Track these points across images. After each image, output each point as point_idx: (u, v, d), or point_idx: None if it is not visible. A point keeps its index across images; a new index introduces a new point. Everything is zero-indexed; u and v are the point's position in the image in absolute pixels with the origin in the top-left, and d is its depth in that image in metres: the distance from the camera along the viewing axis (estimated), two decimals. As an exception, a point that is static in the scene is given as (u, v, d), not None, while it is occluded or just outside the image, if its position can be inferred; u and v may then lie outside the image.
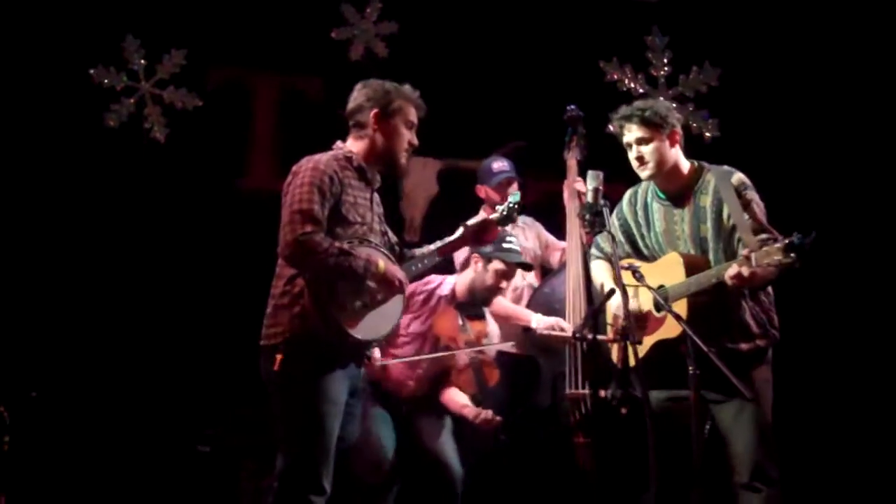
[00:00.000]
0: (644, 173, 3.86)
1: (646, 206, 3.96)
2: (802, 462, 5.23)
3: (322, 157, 3.70)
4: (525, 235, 5.19)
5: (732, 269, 3.50)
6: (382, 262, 3.66)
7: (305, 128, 6.17)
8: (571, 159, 5.03)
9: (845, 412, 5.89)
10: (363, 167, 3.79)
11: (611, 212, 3.74)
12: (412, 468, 4.63)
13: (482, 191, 5.24)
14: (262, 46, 6.21)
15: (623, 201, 4.04)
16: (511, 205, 4.11)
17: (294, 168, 3.70)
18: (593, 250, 4.14)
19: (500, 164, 5.19)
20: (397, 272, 3.71)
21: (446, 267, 4.73)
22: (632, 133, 3.84)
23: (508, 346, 4.78)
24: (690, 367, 3.46)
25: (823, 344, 5.93)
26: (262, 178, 6.18)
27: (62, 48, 5.91)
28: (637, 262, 3.79)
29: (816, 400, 5.82)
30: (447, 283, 4.72)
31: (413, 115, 3.85)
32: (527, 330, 4.78)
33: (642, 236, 3.96)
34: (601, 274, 4.04)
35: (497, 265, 4.63)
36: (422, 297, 4.68)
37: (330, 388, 3.58)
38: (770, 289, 3.84)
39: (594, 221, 3.58)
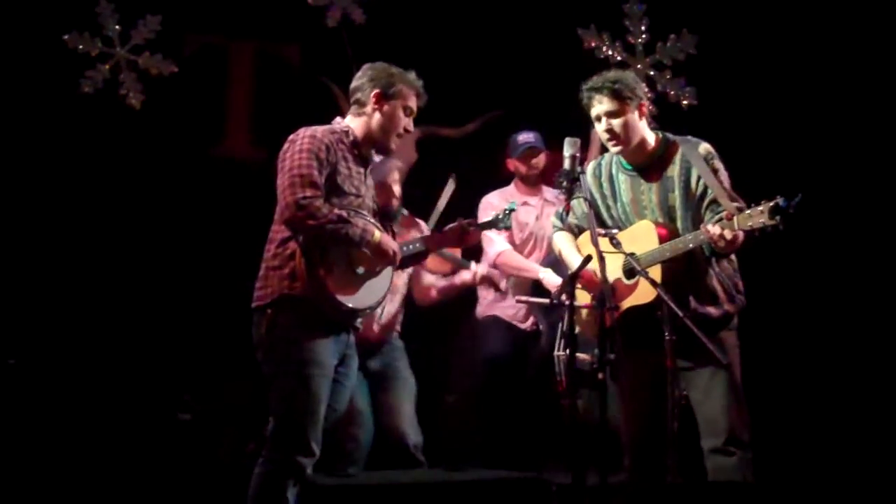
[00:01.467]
0: (615, 148, 3.86)
1: (611, 178, 3.97)
2: (772, 426, 5.29)
3: (319, 128, 3.77)
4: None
5: (715, 230, 3.52)
6: (378, 233, 3.73)
7: (282, 95, 6.14)
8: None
9: (812, 377, 5.97)
10: (358, 143, 3.85)
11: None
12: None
13: (511, 164, 5.40)
14: (238, 12, 6.16)
15: (587, 174, 3.99)
16: (508, 210, 4.39)
17: (291, 137, 3.74)
18: (555, 220, 4.17)
19: (525, 136, 5.32)
20: (391, 243, 3.78)
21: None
22: (602, 105, 3.84)
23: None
24: (666, 333, 3.50)
25: (788, 310, 5.99)
26: (239, 145, 6.17)
27: (36, 14, 5.84)
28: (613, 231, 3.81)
29: (782, 365, 5.89)
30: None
31: (413, 102, 3.91)
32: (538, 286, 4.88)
33: (608, 207, 3.97)
34: (564, 245, 4.07)
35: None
36: None
37: (317, 351, 3.62)
38: (734, 256, 3.86)
39: (571, 188, 3.59)
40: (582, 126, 4.07)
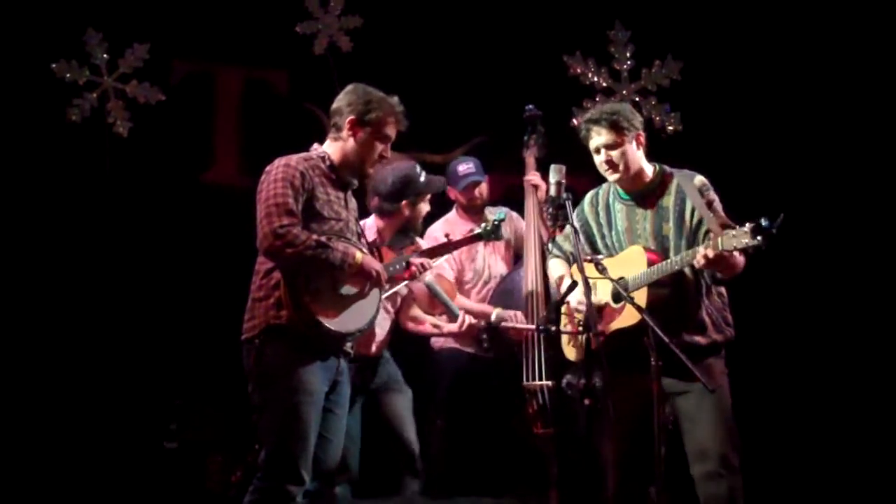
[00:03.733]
0: (613, 177, 3.90)
1: (608, 207, 4.02)
2: (762, 451, 5.30)
3: (293, 157, 3.76)
4: (505, 228, 5.22)
5: (699, 252, 3.57)
6: (360, 255, 3.71)
7: (270, 121, 6.16)
8: (530, 157, 5.15)
9: (800, 404, 5.98)
10: (336, 168, 3.84)
11: (574, 206, 3.79)
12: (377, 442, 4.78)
13: (452, 193, 5.30)
14: (225, 40, 6.18)
15: (584, 202, 4.10)
16: (496, 222, 4.43)
17: (267, 168, 3.75)
18: (552, 248, 4.20)
19: (465, 167, 5.21)
20: (374, 264, 3.77)
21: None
22: (600, 137, 3.87)
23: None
24: (652, 358, 3.51)
25: (777, 337, 6.01)
26: (227, 172, 6.17)
27: (23, 42, 5.85)
28: (599, 256, 3.84)
29: (772, 393, 5.91)
30: (369, 229, 4.77)
31: (390, 130, 3.88)
32: (488, 325, 4.82)
33: (602, 236, 4.01)
34: (558, 270, 4.10)
35: (423, 200, 4.85)
36: None
37: (306, 379, 3.62)
38: (724, 289, 3.92)
39: (557, 215, 3.63)
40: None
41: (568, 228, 3.95)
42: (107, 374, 5.68)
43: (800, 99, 6.26)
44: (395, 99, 3.91)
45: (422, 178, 4.81)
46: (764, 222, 3.39)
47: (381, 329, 4.78)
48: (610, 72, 6.41)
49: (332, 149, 3.88)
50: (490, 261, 5.20)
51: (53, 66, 5.95)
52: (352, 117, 3.82)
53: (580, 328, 3.76)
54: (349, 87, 3.91)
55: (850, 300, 6.09)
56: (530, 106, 5.14)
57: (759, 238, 3.41)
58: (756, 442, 4.92)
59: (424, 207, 4.87)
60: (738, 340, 3.93)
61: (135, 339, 5.75)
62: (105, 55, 6.04)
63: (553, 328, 3.54)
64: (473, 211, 5.24)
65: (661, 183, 3.91)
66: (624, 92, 6.32)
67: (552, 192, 3.65)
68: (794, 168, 6.19)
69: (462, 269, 5.15)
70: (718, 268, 3.66)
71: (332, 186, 3.82)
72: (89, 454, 5.52)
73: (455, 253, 4.96)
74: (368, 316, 3.79)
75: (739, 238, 3.46)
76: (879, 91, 6.15)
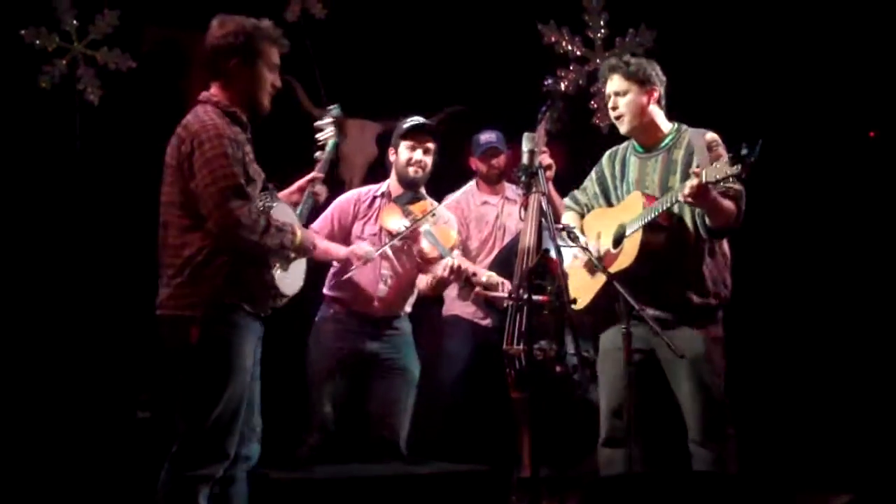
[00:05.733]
0: (621, 126, 4.05)
1: (623, 160, 4.15)
2: (757, 419, 5.35)
3: (216, 122, 3.53)
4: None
5: (686, 184, 3.64)
6: (300, 232, 3.70)
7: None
8: (541, 130, 5.11)
9: (796, 369, 6.04)
10: (236, 113, 3.64)
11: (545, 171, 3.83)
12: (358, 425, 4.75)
13: (473, 162, 5.42)
14: (197, 6, 6.11)
15: (604, 157, 4.26)
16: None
17: (186, 135, 3.55)
18: (568, 201, 4.34)
19: (487, 136, 5.33)
20: (311, 238, 3.80)
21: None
22: (613, 83, 4.04)
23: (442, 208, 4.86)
24: (623, 326, 3.54)
25: (773, 306, 6.05)
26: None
27: (-8, 9, 5.80)
28: (573, 225, 3.87)
29: (767, 358, 5.97)
30: (383, 184, 4.90)
31: (276, 56, 3.71)
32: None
33: (615, 187, 4.15)
34: (569, 223, 4.16)
35: (402, 143, 4.79)
36: (366, 202, 4.86)
37: (247, 355, 3.57)
38: (728, 250, 4.00)
39: (529, 183, 3.64)
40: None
41: (586, 180, 4.21)
42: (79, 345, 5.67)
43: (775, 67, 6.26)
44: (268, 22, 3.73)
45: (403, 125, 4.81)
46: (743, 150, 3.46)
47: (385, 285, 4.75)
48: (584, 40, 6.40)
49: (221, 94, 3.65)
50: (498, 234, 5.30)
51: (23, 32, 5.89)
52: (237, 57, 3.61)
53: (553, 297, 3.79)
54: (215, 23, 3.69)
55: (844, 272, 6.14)
56: (550, 80, 5.04)
57: (737, 166, 3.45)
58: (754, 407, 4.99)
59: (406, 153, 4.78)
60: (736, 306, 3.99)
61: (106, 308, 5.73)
62: (75, 21, 5.98)
63: (525, 297, 3.54)
64: (491, 181, 5.32)
65: (676, 139, 4.02)
66: (598, 61, 6.31)
67: (525, 160, 3.68)
68: (771, 138, 6.19)
69: (468, 237, 5.21)
70: (705, 207, 3.70)
71: (244, 137, 3.62)
72: (62, 424, 5.50)
73: (463, 219, 5.17)
74: (302, 277, 3.83)
75: (721, 168, 3.52)
76: (858, 58, 6.16)
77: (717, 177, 3.52)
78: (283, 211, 3.78)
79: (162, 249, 3.64)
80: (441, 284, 4.76)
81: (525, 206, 3.87)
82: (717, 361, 3.90)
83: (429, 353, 5.11)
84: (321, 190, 4.17)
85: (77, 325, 5.69)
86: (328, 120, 4.38)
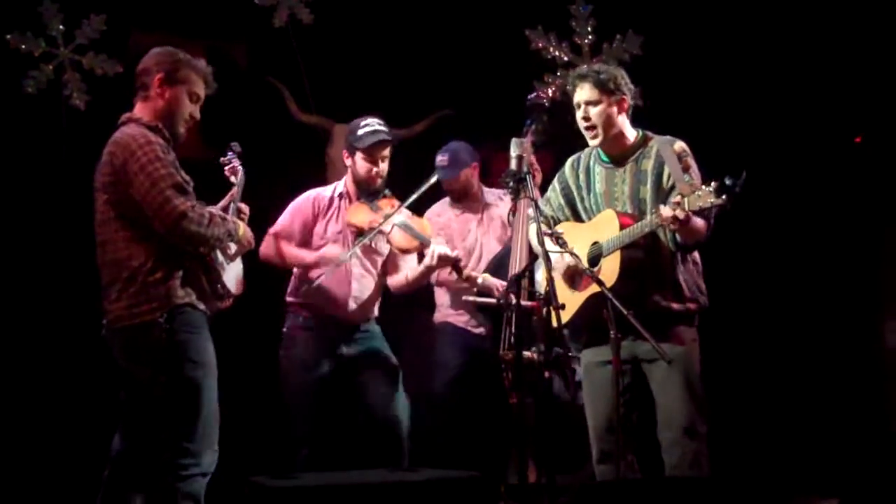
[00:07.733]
0: (592, 139, 3.97)
1: (588, 170, 4.08)
2: (729, 418, 5.37)
3: (144, 133, 3.66)
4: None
5: (667, 212, 3.60)
6: (242, 227, 3.85)
7: (229, 94, 6.08)
8: (527, 143, 5.10)
9: (769, 371, 6.07)
10: (159, 127, 3.74)
11: (533, 178, 3.81)
12: (359, 424, 4.80)
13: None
14: (184, 12, 6.11)
15: (566, 166, 4.17)
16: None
17: (116, 149, 3.65)
18: (531, 213, 4.20)
19: (439, 158, 5.18)
20: (249, 234, 3.91)
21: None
22: (583, 92, 3.96)
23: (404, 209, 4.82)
24: (612, 331, 3.54)
25: (747, 308, 6.08)
26: (185, 145, 6.09)
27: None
28: (561, 229, 3.86)
29: (742, 359, 5.98)
30: (339, 184, 4.90)
31: (199, 89, 3.83)
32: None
33: (581, 199, 4.08)
34: (535, 237, 4.11)
35: (359, 154, 4.76)
36: (325, 201, 4.85)
37: (210, 354, 3.66)
38: (698, 257, 3.99)
39: (517, 189, 3.64)
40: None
41: (549, 191, 4.11)
42: (65, 351, 5.64)
43: (762, 72, 6.29)
44: (203, 61, 3.86)
45: (358, 132, 4.77)
46: (727, 181, 3.45)
47: (359, 284, 4.75)
48: (571, 46, 6.41)
49: (143, 111, 3.76)
50: (483, 240, 5.24)
51: (9, 37, 5.86)
52: (160, 74, 3.74)
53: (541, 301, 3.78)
54: (153, 49, 3.84)
55: (817, 270, 6.17)
56: (533, 94, 5.03)
57: (723, 197, 3.46)
58: (726, 408, 5.01)
59: (364, 164, 4.77)
60: (710, 309, 4.00)
61: (91, 314, 5.69)
62: (61, 26, 5.95)
63: (513, 301, 3.54)
64: (455, 196, 5.28)
65: (642, 148, 3.97)
66: (585, 66, 6.31)
67: (513, 165, 3.66)
68: (757, 142, 6.23)
69: (452, 247, 5.18)
70: (681, 230, 3.69)
71: (169, 148, 3.72)
72: (47, 407, 5.54)
73: (446, 229, 5.14)
74: (240, 274, 4.00)
75: (704, 198, 3.50)
76: (844, 61, 6.19)
77: (701, 206, 3.51)
78: None
79: (103, 269, 3.73)
80: (428, 271, 4.77)
81: (514, 211, 3.87)
82: (697, 362, 3.93)
83: (420, 361, 5.10)
84: (245, 208, 4.28)
85: (64, 330, 5.66)
86: (231, 154, 4.52)
